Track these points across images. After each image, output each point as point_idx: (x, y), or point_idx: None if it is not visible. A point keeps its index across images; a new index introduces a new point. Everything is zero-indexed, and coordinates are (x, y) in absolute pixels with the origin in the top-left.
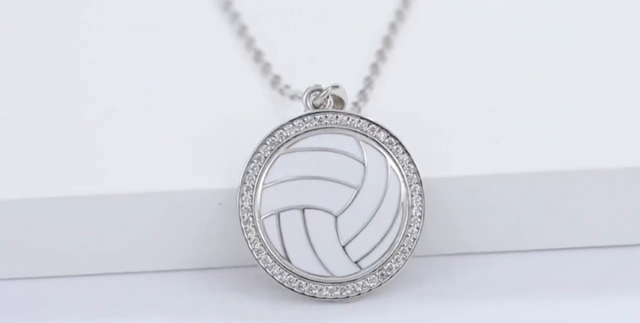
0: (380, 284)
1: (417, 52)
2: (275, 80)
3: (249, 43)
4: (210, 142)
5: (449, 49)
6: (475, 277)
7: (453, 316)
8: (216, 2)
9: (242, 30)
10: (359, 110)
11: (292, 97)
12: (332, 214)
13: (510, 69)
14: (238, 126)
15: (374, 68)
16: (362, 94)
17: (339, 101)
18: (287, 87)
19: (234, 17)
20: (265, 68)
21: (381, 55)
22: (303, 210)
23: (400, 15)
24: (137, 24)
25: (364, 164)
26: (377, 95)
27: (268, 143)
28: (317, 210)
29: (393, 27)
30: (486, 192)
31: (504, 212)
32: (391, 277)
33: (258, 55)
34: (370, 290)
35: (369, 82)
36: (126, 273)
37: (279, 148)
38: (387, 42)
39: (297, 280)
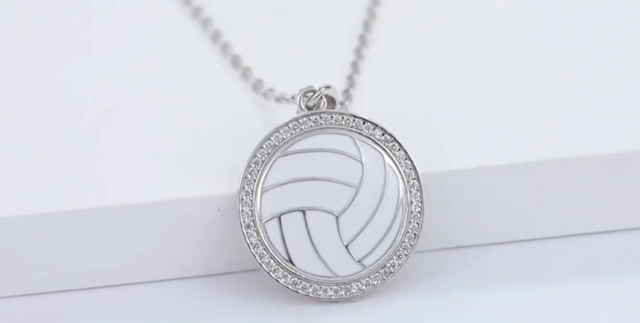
0: (384, 281)
1: (392, 49)
2: (258, 84)
3: (224, 48)
4: (204, 150)
5: (425, 45)
6: (476, 270)
7: (455, 310)
8: (185, 9)
9: (215, 36)
10: (346, 109)
11: (278, 100)
12: (333, 214)
13: (491, 61)
14: (230, 132)
15: (354, 66)
16: (347, 93)
17: (331, 101)
18: (271, 90)
19: (205, 22)
20: (245, 72)
21: (359, 53)
22: (304, 212)
23: (371, 12)
24: (124, 29)
25: (361, 163)
26: (360, 94)
27: (265, 147)
28: (318, 211)
29: (366, 24)
30: (481, 184)
31: (499, 203)
32: (394, 273)
33: (236, 60)
34: (375, 288)
35: (351, 81)
36: (128, 284)
37: (276, 151)
38: (363, 40)
39: (301, 282)
